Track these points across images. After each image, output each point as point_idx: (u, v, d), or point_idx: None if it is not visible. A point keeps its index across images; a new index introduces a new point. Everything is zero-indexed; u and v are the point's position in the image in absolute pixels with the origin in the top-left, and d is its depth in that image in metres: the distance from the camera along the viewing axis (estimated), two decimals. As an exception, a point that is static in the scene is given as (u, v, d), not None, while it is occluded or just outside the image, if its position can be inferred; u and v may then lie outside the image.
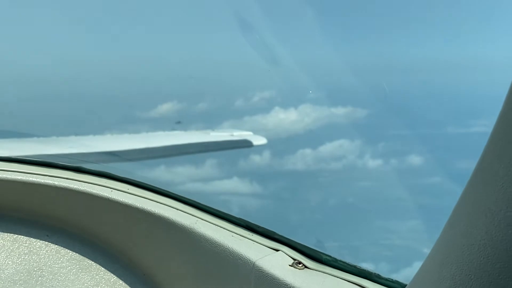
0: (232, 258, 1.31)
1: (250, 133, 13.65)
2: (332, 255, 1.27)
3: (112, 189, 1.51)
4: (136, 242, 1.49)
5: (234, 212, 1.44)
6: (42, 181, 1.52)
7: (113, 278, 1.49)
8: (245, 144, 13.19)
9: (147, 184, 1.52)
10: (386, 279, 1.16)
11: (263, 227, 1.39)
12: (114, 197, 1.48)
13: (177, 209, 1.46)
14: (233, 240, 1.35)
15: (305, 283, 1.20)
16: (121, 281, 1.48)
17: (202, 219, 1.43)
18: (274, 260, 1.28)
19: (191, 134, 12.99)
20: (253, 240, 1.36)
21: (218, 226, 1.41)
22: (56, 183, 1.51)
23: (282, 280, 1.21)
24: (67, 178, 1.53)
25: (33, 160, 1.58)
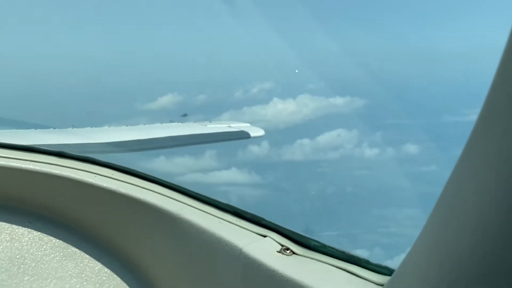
0: (219, 245, 1.28)
1: (248, 124, 13.71)
2: (321, 241, 1.23)
3: (96, 175, 1.47)
4: (121, 229, 1.45)
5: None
6: (23, 166, 1.48)
7: (98, 265, 1.45)
8: (243, 135, 13.23)
9: (132, 169, 1.49)
10: (375, 265, 1.12)
11: (250, 213, 1.35)
12: (98, 182, 1.45)
13: (163, 195, 1.42)
14: (220, 226, 1.32)
15: (293, 269, 1.16)
16: (106, 269, 1.45)
17: (189, 205, 1.39)
18: (262, 246, 1.24)
19: (188, 126, 13.02)
20: (240, 226, 1.32)
21: (205, 212, 1.37)
22: (37, 168, 1.47)
23: (269, 267, 1.18)
24: (49, 163, 1.48)
25: (13, 145, 1.54)
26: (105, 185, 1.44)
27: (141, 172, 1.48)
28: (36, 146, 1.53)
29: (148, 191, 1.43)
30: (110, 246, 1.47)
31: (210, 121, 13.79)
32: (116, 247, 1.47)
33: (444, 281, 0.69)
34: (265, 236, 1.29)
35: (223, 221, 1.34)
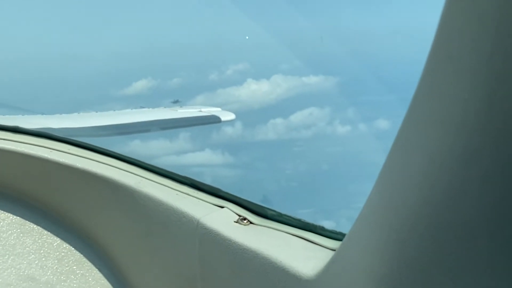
0: (176, 216, 1.28)
1: (219, 109, 13.80)
2: (277, 210, 1.24)
3: (51, 150, 1.44)
4: (79, 204, 1.44)
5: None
6: None
7: (57, 241, 1.44)
8: (214, 120, 13.30)
9: (88, 144, 1.47)
10: (330, 231, 1.13)
11: (208, 185, 1.35)
12: (54, 157, 1.43)
13: (121, 169, 1.41)
14: (177, 198, 1.31)
15: (250, 238, 1.17)
16: (65, 244, 1.44)
17: (147, 178, 1.38)
18: (219, 217, 1.25)
19: (158, 111, 13.02)
20: (198, 198, 1.32)
21: (162, 184, 1.36)
22: None
23: (227, 237, 1.18)
24: (3, 139, 1.46)
25: None
26: (61, 160, 1.42)
27: (98, 147, 1.47)
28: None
29: (105, 165, 1.41)
30: (68, 221, 1.46)
31: (180, 106, 13.84)
32: (74, 222, 1.45)
33: (393, 241, 0.70)
34: (222, 207, 1.29)
35: (181, 193, 1.33)
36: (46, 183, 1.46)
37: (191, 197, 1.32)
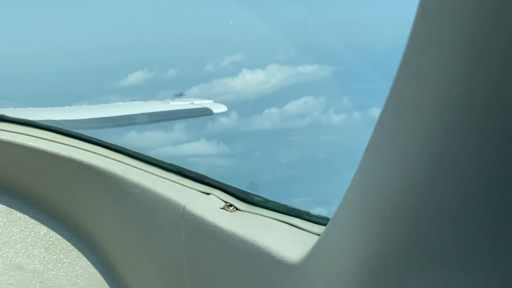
0: (162, 203, 1.27)
1: (210, 101, 13.91)
2: (263, 196, 1.24)
3: (37, 138, 1.44)
4: (65, 193, 1.43)
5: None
6: None
7: (44, 229, 1.43)
8: (205, 112, 13.40)
9: (74, 132, 1.46)
10: (316, 216, 1.13)
11: (194, 172, 1.34)
12: (40, 146, 1.42)
13: (107, 157, 1.40)
14: (163, 185, 1.31)
15: (236, 224, 1.17)
16: (52, 233, 1.43)
17: (133, 166, 1.38)
18: (205, 204, 1.24)
19: (150, 104, 13.07)
20: (184, 185, 1.32)
21: (148, 172, 1.36)
22: None
23: (212, 223, 1.18)
24: None
25: None
26: (46, 148, 1.42)
27: (84, 135, 1.46)
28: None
29: (91, 153, 1.41)
30: (55, 210, 1.45)
31: (172, 99, 13.91)
32: (61, 211, 1.45)
33: (376, 223, 0.70)
34: (208, 194, 1.28)
35: (167, 180, 1.33)
36: (32, 172, 1.45)
37: (177, 184, 1.32)
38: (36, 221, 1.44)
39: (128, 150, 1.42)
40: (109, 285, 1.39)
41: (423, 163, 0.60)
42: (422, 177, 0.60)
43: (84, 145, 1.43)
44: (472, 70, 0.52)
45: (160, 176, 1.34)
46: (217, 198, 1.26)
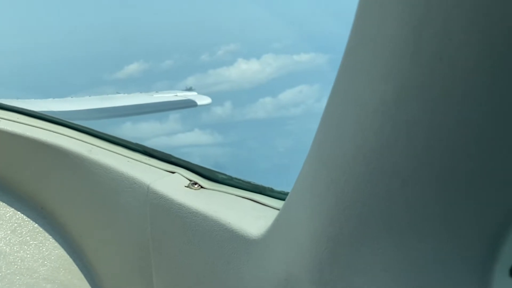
0: (127, 182, 1.27)
1: (195, 93, 13.99)
2: (228, 174, 1.24)
3: (0, 119, 1.42)
4: (29, 174, 1.42)
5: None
6: None
7: (10, 211, 1.42)
8: (190, 104, 13.46)
9: (38, 113, 1.44)
10: (279, 192, 1.14)
11: (160, 151, 1.34)
12: (3, 127, 1.40)
13: (71, 137, 1.39)
14: (129, 164, 1.31)
15: (200, 202, 1.17)
16: (18, 215, 1.42)
17: (98, 146, 1.37)
18: (170, 182, 1.24)
19: (134, 97, 13.08)
20: (149, 164, 1.31)
21: (114, 152, 1.35)
22: None
23: (177, 201, 1.18)
24: None
25: None
26: (9, 129, 1.40)
27: (48, 115, 1.45)
28: None
29: (56, 133, 1.39)
30: (21, 192, 1.44)
31: (156, 91, 13.97)
32: (26, 192, 1.43)
33: (332, 192, 0.71)
34: (173, 172, 1.28)
35: (132, 160, 1.33)
36: (-5, 153, 1.43)
37: (143, 163, 1.31)
38: (1, 203, 1.42)
39: (93, 130, 1.41)
40: (77, 266, 1.39)
41: (374, 130, 0.61)
42: (373, 142, 0.61)
43: (49, 125, 1.42)
44: (417, 32, 0.53)
45: (126, 156, 1.34)
46: (182, 176, 1.26)
